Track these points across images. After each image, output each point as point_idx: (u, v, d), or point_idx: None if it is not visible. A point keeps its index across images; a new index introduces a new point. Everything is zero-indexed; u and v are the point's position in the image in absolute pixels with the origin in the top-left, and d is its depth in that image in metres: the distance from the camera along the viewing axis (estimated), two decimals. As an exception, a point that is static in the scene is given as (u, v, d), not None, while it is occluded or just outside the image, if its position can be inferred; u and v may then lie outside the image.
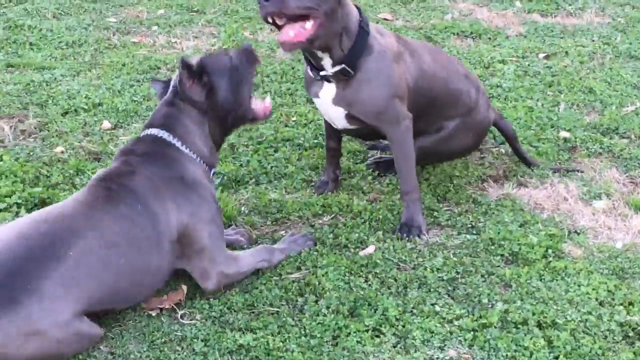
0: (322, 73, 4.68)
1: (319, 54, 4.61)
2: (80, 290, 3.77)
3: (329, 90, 4.75)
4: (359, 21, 4.66)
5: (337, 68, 4.63)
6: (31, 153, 5.54)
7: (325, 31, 4.48)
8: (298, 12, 4.39)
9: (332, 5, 4.47)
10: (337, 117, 4.82)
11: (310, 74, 4.79)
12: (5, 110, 6.11)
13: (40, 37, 7.28)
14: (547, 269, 4.47)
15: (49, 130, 5.88)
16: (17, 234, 3.79)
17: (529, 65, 6.92)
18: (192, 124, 4.28)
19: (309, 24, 4.44)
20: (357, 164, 5.51)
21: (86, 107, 6.18)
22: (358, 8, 4.71)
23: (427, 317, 4.10)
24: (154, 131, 4.26)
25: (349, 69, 4.63)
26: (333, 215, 4.98)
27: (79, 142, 5.70)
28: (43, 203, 4.84)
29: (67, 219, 3.89)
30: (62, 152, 5.58)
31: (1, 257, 3.68)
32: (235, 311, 4.15)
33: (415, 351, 3.90)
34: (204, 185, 4.26)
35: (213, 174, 4.40)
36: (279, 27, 4.45)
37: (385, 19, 7.89)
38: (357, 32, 4.63)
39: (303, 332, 4.00)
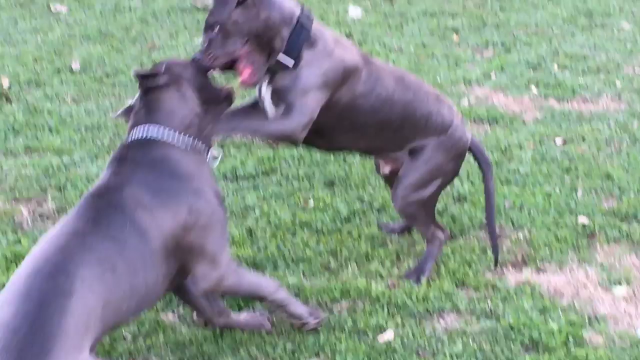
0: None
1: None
2: (94, 320, 3.66)
3: (266, 89, 4.73)
4: (297, 18, 4.61)
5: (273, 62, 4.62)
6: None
7: (258, 51, 4.51)
8: (226, 60, 4.47)
9: (258, 29, 4.49)
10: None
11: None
12: (24, 194, 6.14)
13: (60, 121, 7.34)
14: (568, 357, 4.44)
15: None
16: (23, 287, 3.64)
17: (546, 150, 6.93)
18: (172, 104, 4.29)
19: (243, 63, 4.49)
20: (375, 248, 5.49)
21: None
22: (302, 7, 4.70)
23: (447, 405, 4.08)
24: (138, 130, 4.24)
25: (285, 62, 4.60)
26: (351, 300, 4.95)
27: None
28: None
29: (63, 252, 3.76)
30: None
31: (15, 318, 3.51)
32: (253, 397, 4.13)
33: None
34: (199, 176, 4.20)
35: (208, 152, 4.38)
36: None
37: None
38: (293, 28, 4.58)
39: (322, 420, 3.97)
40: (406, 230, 5.65)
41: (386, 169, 5.25)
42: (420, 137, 5.08)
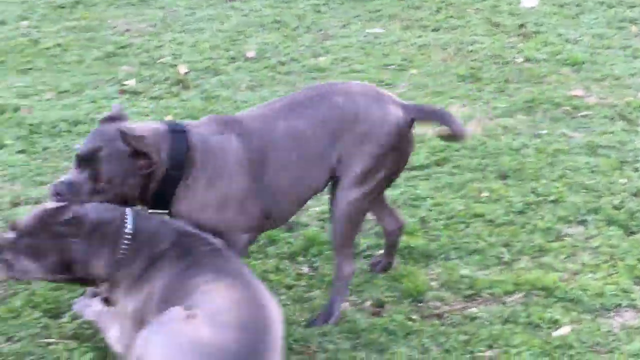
0: None
1: None
2: None
3: None
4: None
5: None
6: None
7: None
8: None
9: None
10: None
11: None
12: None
13: (235, 108, 7.46)
14: None
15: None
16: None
17: None
18: None
19: None
20: (549, 242, 5.41)
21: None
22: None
23: (625, 404, 3.99)
24: None
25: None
26: (525, 293, 4.89)
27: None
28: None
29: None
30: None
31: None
32: (426, 388, 4.13)
33: None
34: None
35: None
36: None
37: (576, 96, 7.78)
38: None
39: (496, 412, 3.94)
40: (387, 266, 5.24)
41: None
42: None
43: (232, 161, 4.41)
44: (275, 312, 3.86)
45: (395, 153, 4.67)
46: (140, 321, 3.98)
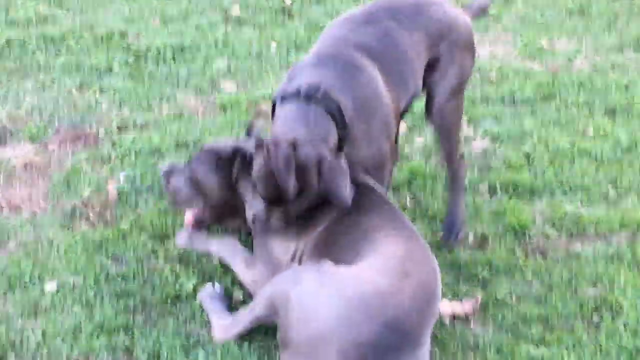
0: None
1: None
2: None
3: None
4: None
5: None
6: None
7: None
8: None
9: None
10: None
11: None
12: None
13: (338, 38, 7.43)
14: None
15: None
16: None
17: None
18: None
19: None
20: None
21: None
22: None
23: None
24: None
25: None
26: (631, 232, 4.83)
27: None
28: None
29: None
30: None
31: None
32: (529, 323, 4.11)
33: None
34: None
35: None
36: None
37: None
38: None
39: (599, 351, 3.92)
40: None
41: None
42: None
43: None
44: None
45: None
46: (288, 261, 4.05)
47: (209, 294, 4.17)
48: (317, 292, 3.53)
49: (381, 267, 3.64)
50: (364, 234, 3.87)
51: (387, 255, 3.71)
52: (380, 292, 3.51)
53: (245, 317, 3.88)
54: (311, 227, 4.02)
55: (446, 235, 4.78)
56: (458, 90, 4.68)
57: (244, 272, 4.23)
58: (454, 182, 4.90)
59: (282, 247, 4.10)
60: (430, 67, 4.57)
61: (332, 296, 3.49)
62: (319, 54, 4.33)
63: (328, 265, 3.66)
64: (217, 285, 4.24)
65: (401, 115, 4.59)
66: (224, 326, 3.96)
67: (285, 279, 3.69)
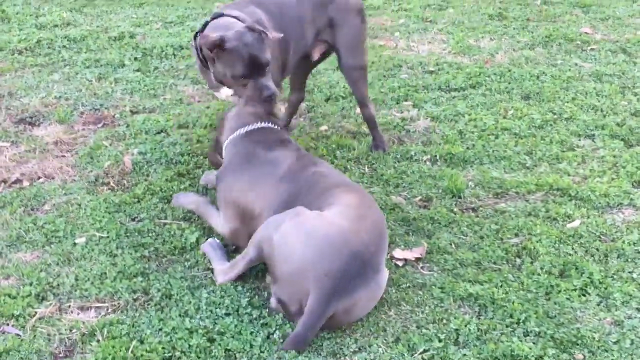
0: None
1: None
2: None
3: None
4: None
5: None
6: (302, 130, 5.66)
7: None
8: None
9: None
10: None
11: None
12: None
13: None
14: None
15: (315, 113, 5.99)
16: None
17: None
18: None
19: None
20: (564, 151, 5.34)
21: (343, 95, 6.24)
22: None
23: (626, 282, 3.97)
24: None
25: None
26: (544, 193, 4.86)
27: (339, 123, 5.78)
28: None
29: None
30: (326, 130, 5.67)
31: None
32: (465, 266, 4.13)
33: (616, 310, 3.78)
34: None
35: None
36: None
37: (585, 33, 7.61)
38: None
39: (521, 287, 3.94)
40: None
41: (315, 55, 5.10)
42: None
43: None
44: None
45: None
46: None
47: (210, 245, 4.16)
48: (294, 235, 3.57)
49: (342, 213, 3.68)
50: (325, 190, 3.90)
51: (345, 204, 3.75)
52: (344, 231, 3.57)
53: (240, 262, 3.87)
54: (269, 179, 4.06)
55: (374, 149, 5.28)
56: (356, 47, 5.00)
57: (216, 224, 4.25)
58: (369, 120, 5.28)
59: (240, 192, 4.09)
60: (330, 27, 4.88)
61: (307, 237, 3.55)
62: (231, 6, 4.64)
63: (302, 209, 3.69)
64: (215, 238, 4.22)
65: (312, 64, 5.18)
66: (224, 270, 3.95)
67: (268, 226, 3.71)
